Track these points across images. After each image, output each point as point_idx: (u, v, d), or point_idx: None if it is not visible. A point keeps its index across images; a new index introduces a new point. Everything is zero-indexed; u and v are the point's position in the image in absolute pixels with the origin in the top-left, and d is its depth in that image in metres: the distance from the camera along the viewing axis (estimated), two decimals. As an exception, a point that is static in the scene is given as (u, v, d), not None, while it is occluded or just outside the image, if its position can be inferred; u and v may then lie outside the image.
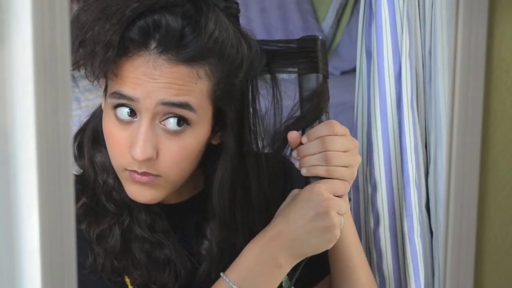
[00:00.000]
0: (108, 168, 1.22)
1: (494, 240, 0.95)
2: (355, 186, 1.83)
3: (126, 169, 1.17)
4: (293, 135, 1.24)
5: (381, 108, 1.73)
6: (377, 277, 1.64)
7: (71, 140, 0.72)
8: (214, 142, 1.23)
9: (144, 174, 1.16)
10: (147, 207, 1.23)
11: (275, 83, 1.28)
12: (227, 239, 1.24)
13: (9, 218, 0.71)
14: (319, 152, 1.21)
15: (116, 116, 1.16)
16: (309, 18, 3.93)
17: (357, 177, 1.82)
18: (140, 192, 1.18)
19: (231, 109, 1.20)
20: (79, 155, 1.24)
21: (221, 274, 1.19)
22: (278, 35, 3.86)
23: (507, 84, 0.92)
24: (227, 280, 1.17)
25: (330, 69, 4.44)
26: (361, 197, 1.81)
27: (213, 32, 1.14)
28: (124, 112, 1.15)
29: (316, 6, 4.03)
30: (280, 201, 1.26)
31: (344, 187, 1.23)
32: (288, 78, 3.91)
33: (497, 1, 0.89)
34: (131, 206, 1.23)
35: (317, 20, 3.98)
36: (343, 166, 1.22)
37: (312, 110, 1.25)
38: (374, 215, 1.73)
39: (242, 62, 1.19)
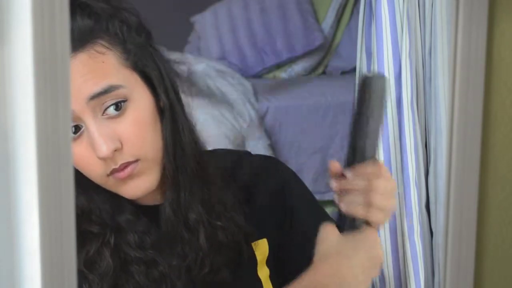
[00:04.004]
0: (81, 198, 1.21)
1: (494, 240, 0.95)
2: (355, 186, 1.83)
3: (107, 175, 1.17)
4: (335, 166, 1.21)
5: (381, 108, 1.73)
6: (377, 277, 1.64)
7: (71, 140, 0.72)
8: (162, 105, 1.23)
9: (124, 166, 1.17)
10: (132, 227, 1.23)
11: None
12: (175, 201, 1.23)
13: (9, 218, 0.71)
14: (362, 191, 1.18)
15: None
16: (309, 18, 3.94)
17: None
18: (135, 186, 1.19)
19: (152, 69, 1.21)
20: None
21: None
22: (278, 35, 3.87)
23: (507, 83, 0.92)
24: None
25: (330, 69, 4.41)
26: (361, 197, 1.81)
27: (83, 14, 1.16)
28: None
29: (316, 6, 4.03)
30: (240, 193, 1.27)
31: None
32: (288, 78, 3.84)
33: (497, 1, 0.89)
34: (114, 225, 1.23)
35: (317, 20, 3.98)
36: (381, 210, 1.20)
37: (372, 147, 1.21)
38: (374, 215, 1.72)
39: (130, 26, 1.20)
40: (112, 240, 1.22)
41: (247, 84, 3.63)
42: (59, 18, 0.69)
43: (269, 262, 1.31)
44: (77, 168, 1.18)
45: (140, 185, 1.19)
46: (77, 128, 1.16)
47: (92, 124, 1.15)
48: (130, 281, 1.21)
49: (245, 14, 3.90)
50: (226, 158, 1.32)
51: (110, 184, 1.19)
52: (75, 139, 1.16)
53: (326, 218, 1.38)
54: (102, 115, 1.15)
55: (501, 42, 0.91)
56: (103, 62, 1.16)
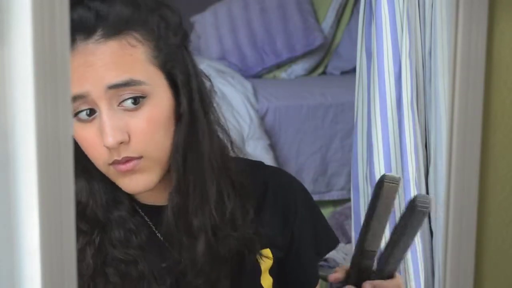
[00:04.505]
0: (82, 188, 1.22)
1: (494, 240, 0.95)
2: (355, 186, 1.84)
3: (109, 164, 1.18)
4: (337, 278, 1.22)
5: (381, 108, 1.73)
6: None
7: (71, 140, 0.72)
8: (182, 110, 1.22)
9: (126, 160, 1.17)
10: (122, 224, 1.23)
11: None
12: (180, 205, 1.23)
13: (9, 218, 0.71)
14: None
15: (80, 120, 1.17)
16: (309, 18, 3.94)
17: (357, 177, 1.83)
18: (133, 182, 1.19)
19: (179, 72, 1.20)
20: None
21: None
22: (278, 35, 3.87)
23: (507, 83, 0.92)
24: None
25: (330, 69, 4.41)
26: (361, 197, 1.81)
27: (123, 2, 1.16)
28: (83, 115, 1.17)
29: (316, 6, 4.04)
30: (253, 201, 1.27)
31: None
32: (287, 78, 3.83)
33: (497, 1, 0.89)
34: (104, 224, 1.23)
35: (317, 20, 3.98)
36: None
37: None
38: (374, 215, 1.72)
39: (169, 24, 1.20)
40: (97, 240, 1.22)
41: (247, 84, 3.63)
42: (59, 18, 0.69)
43: (272, 271, 1.31)
44: (83, 150, 1.19)
45: (139, 182, 1.19)
46: (92, 112, 1.16)
47: (105, 112, 1.15)
48: (106, 282, 1.21)
49: (245, 14, 3.90)
50: (240, 167, 1.32)
51: (111, 174, 1.20)
52: (87, 122, 1.17)
53: (329, 237, 1.39)
54: (118, 105, 1.16)
55: (501, 42, 0.91)
56: (131, 55, 1.15)
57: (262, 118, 3.52)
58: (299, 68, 3.91)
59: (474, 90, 0.90)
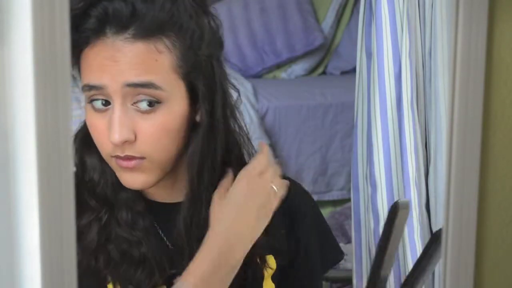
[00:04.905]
0: (95, 166, 1.23)
1: (494, 240, 0.94)
2: (355, 186, 1.84)
3: (111, 156, 1.19)
4: None
5: (381, 108, 1.73)
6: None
7: (71, 140, 0.73)
8: (198, 119, 1.22)
9: (128, 158, 1.17)
10: (130, 205, 1.24)
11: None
12: (193, 216, 1.23)
13: (9, 218, 0.71)
14: None
15: (94, 108, 1.18)
16: (309, 18, 3.94)
17: (357, 177, 1.83)
18: (132, 179, 1.20)
19: (202, 83, 1.19)
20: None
21: None
22: (278, 35, 3.87)
23: (507, 83, 0.92)
24: None
25: (330, 69, 4.39)
26: (361, 197, 1.81)
27: (164, 4, 1.15)
28: (98, 103, 1.18)
29: (316, 6, 4.03)
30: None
31: None
32: (287, 78, 3.84)
33: (497, 1, 0.89)
34: (112, 203, 1.23)
35: (317, 20, 3.98)
36: None
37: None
38: (374, 215, 1.73)
39: (203, 34, 1.19)
40: (104, 218, 1.23)
41: (247, 84, 3.63)
42: (59, 18, 0.69)
43: (274, 277, 1.31)
44: (92, 136, 1.21)
45: (136, 180, 1.20)
46: (107, 103, 1.17)
47: (117, 109, 1.16)
48: (107, 259, 1.22)
49: (245, 14, 3.89)
50: None
51: (112, 165, 1.21)
52: (101, 112, 1.18)
53: (334, 247, 1.39)
54: (132, 105, 1.16)
55: (501, 42, 0.91)
56: (156, 60, 1.15)
57: (262, 118, 3.52)
58: (299, 68, 3.91)
59: (474, 90, 0.90)
